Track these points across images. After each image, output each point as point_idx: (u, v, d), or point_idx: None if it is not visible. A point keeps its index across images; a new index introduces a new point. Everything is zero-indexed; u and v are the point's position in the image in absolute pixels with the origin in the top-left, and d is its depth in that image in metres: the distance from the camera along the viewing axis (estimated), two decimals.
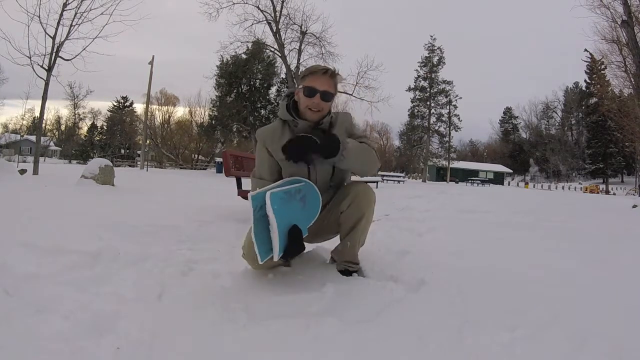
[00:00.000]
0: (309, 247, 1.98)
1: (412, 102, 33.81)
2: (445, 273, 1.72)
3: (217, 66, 23.22)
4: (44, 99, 8.65)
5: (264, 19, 18.35)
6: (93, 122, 51.82)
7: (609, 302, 1.39)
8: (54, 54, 8.29)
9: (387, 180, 21.23)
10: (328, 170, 1.69)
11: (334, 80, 1.64)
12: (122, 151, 48.05)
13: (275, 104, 24.46)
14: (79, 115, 51.90)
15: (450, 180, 34.43)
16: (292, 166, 1.66)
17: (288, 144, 1.54)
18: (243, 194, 3.46)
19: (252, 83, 23.68)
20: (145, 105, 23.95)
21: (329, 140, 1.51)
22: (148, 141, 29.15)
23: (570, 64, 78.58)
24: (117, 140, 48.37)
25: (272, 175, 1.71)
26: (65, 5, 8.36)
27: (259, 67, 23.55)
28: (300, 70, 18.94)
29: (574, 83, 50.93)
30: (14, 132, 47.39)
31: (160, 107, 40.40)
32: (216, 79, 23.40)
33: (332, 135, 1.54)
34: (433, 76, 33.28)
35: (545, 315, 1.27)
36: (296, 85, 1.71)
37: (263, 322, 1.35)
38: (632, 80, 11.75)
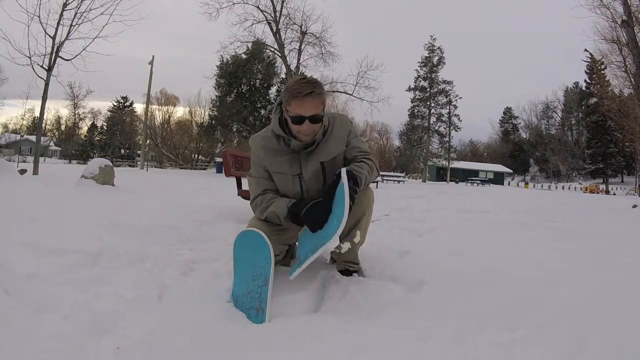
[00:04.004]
0: None
1: (412, 102, 33.85)
2: (445, 273, 1.72)
3: (217, 66, 23.21)
4: (44, 99, 8.65)
5: (264, 19, 18.37)
6: (93, 122, 51.87)
7: (608, 303, 1.39)
8: (54, 54, 8.28)
9: (387, 180, 21.23)
10: (319, 179, 1.66)
11: (321, 98, 1.54)
12: (122, 151, 48.08)
13: (275, 104, 24.41)
14: (79, 115, 52.00)
15: (450, 180, 34.43)
16: (284, 180, 1.64)
17: (306, 220, 1.47)
18: (243, 194, 3.45)
19: (252, 83, 23.68)
20: (145, 105, 23.99)
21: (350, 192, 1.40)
22: (148, 141, 29.17)
23: (570, 64, 78.67)
24: (117, 140, 48.38)
25: (270, 177, 1.69)
26: (65, 5, 8.36)
27: (259, 67, 23.54)
28: (300, 70, 18.94)
29: (574, 83, 50.99)
30: (14, 132, 47.40)
31: (160, 107, 40.50)
32: (216, 79, 23.39)
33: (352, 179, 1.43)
34: (433, 76, 33.29)
35: (545, 316, 1.27)
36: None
37: (263, 322, 1.35)
38: (632, 80, 11.75)
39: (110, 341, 1.14)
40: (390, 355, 1.11)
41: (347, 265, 1.76)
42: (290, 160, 1.63)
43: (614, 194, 30.06)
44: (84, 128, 52.32)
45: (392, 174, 26.00)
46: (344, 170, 1.43)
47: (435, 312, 1.35)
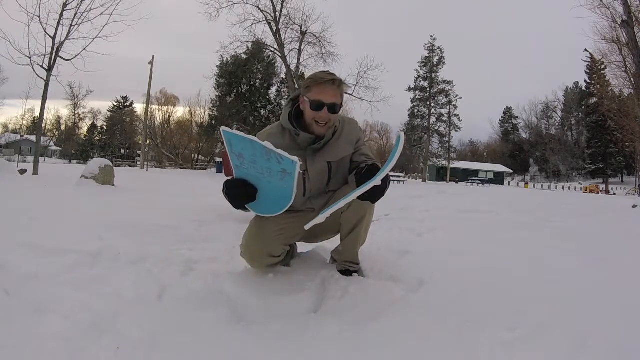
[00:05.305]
0: (309, 247, 1.98)
1: (412, 102, 33.75)
2: (445, 273, 1.72)
3: (217, 66, 23.29)
4: (44, 99, 8.66)
5: (264, 19, 18.37)
6: (93, 122, 51.78)
7: (609, 302, 1.39)
8: (54, 54, 8.29)
9: None
10: (324, 179, 1.65)
11: (341, 90, 1.56)
12: (122, 151, 48.06)
13: (275, 104, 24.46)
14: (79, 115, 51.91)
15: (451, 180, 34.41)
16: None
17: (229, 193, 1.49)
18: None
19: (252, 83, 23.72)
20: (145, 105, 23.99)
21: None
22: (148, 141, 29.17)
23: (570, 64, 78.60)
24: (117, 140, 48.34)
25: None
26: (65, 5, 8.37)
27: (259, 67, 23.59)
28: (300, 70, 18.94)
29: (574, 83, 50.87)
30: (14, 132, 47.35)
31: (160, 107, 40.60)
32: (216, 79, 23.44)
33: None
34: (433, 76, 33.23)
35: (545, 315, 1.27)
36: (297, 87, 1.60)
37: (263, 322, 1.35)
38: (632, 80, 11.78)
39: (110, 341, 1.14)
40: (390, 355, 1.11)
41: (347, 265, 1.76)
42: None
43: (614, 194, 30.05)
44: (84, 128, 52.26)
45: (392, 174, 25.92)
46: (402, 134, 1.35)
47: (435, 312, 1.35)
